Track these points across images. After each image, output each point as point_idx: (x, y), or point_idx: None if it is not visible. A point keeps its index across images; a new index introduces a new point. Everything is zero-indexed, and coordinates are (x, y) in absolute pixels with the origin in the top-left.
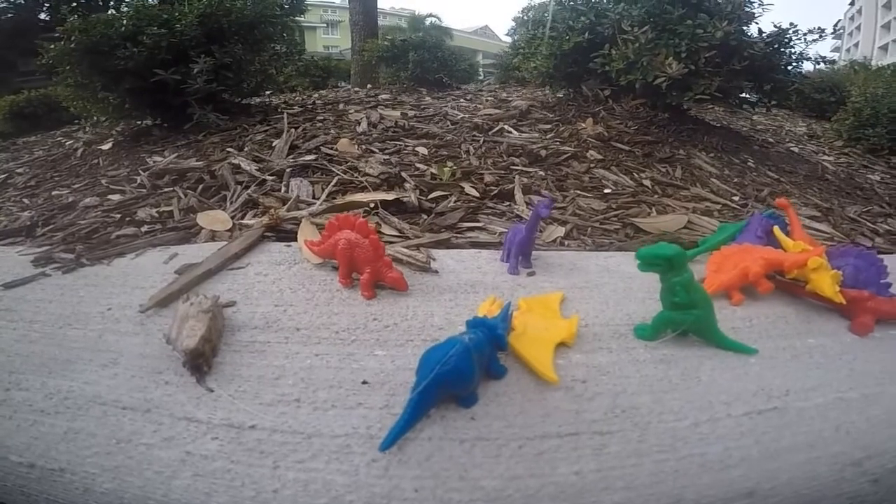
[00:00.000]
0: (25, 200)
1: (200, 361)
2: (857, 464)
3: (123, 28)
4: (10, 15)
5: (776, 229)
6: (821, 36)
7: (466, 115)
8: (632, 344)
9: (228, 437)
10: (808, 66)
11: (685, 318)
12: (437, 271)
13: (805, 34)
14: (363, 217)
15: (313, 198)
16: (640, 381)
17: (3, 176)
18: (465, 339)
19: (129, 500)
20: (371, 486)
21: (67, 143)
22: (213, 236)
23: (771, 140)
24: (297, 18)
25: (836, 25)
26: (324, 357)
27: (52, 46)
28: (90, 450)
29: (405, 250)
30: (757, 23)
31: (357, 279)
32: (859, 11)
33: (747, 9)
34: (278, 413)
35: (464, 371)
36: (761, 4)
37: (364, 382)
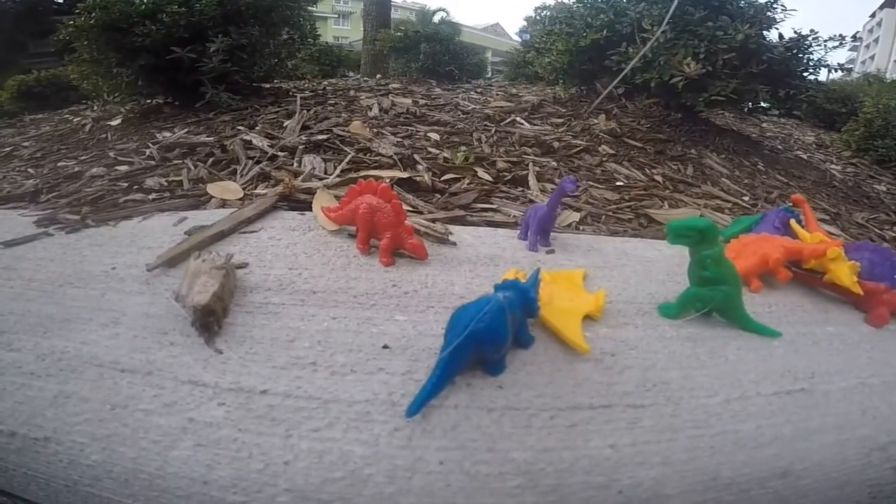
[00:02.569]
0: (30, 170)
1: (211, 320)
2: (882, 448)
3: (143, 6)
4: None
5: (793, 222)
6: (841, 43)
7: (477, 106)
8: (657, 321)
9: (237, 403)
10: (822, 75)
11: (713, 295)
12: (455, 243)
13: (826, 41)
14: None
15: (325, 174)
16: (668, 356)
17: (8, 149)
18: (499, 297)
19: (118, 473)
20: (392, 458)
21: (75, 120)
22: (224, 205)
23: (780, 147)
24: (309, 8)
25: (854, 35)
26: (341, 320)
27: (72, 22)
28: (80, 416)
29: (423, 221)
30: (777, 28)
31: (375, 247)
32: (879, 24)
33: (769, 13)
34: (292, 377)
35: (498, 330)
36: (784, 10)
37: (385, 347)
